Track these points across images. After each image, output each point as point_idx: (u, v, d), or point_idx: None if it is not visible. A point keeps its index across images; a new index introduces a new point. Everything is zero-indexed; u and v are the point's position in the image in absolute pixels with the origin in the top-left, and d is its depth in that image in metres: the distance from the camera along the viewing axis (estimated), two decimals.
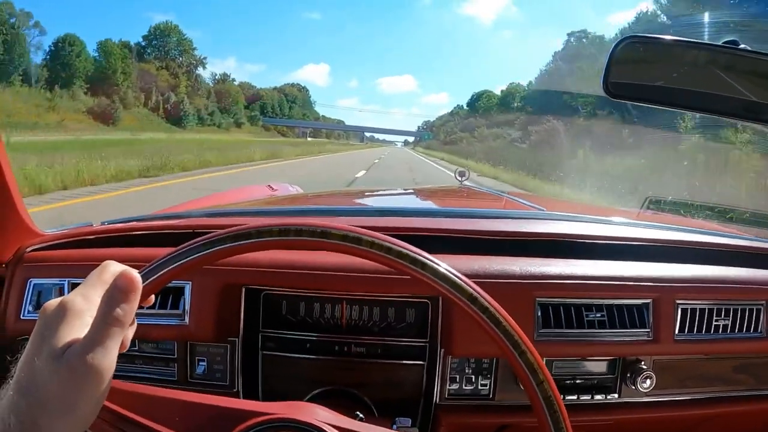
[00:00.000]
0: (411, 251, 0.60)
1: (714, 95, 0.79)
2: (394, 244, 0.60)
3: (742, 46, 0.79)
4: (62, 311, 0.54)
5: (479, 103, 76.27)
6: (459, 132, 70.87)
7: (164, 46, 65.12)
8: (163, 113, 57.15)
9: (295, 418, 0.61)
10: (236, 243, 0.61)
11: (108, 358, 0.53)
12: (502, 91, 71.52)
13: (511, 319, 0.60)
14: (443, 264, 0.61)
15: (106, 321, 0.53)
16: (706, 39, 0.80)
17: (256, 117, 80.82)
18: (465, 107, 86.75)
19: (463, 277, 0.61)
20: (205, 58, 69.88)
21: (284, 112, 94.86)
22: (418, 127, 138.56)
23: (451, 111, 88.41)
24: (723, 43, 0.80)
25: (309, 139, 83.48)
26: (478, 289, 0.60)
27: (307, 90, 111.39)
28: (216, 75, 76.75)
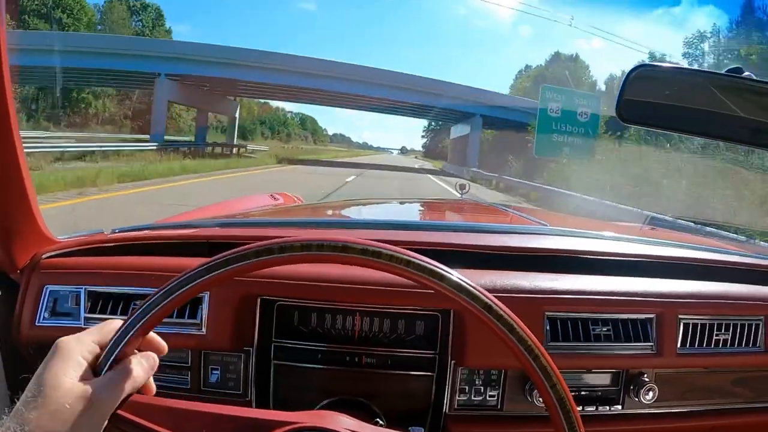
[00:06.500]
0: (429, 264, 0.63)
1: (721, 122, 0.83)
2: (413, 257, 0.63)
3: (745, 73, 0.83)
4: (55, 349, 0.62)
5: None
6: None
7: None
8: None
9: (321, 426, 0.63)
10: (260, 258, 0.64)
11: (108, 402, 0.60)
12: None
13: (524, 325, 0.63)
14: (459, 275, 0.64)
15: (123, 374, 0.62)
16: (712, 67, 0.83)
17: None
18: None
19: (479, 287, 0.64)
20: None
21: None
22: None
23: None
24: (727, 71, 0.84)
25: None
26: (493, 298, 0.64)
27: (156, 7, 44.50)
28: None
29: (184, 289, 0.64)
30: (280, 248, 0.64)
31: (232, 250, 0.65)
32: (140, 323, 0.64)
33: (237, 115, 46.29)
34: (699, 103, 0.83)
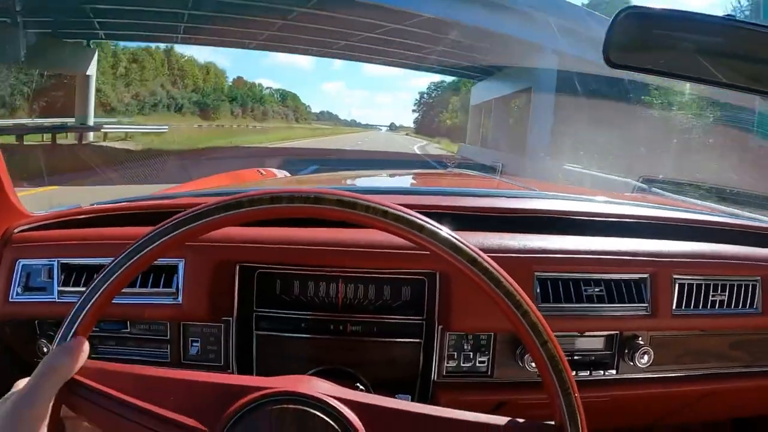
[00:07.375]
0: (408, 214, 0.60)
1: (712, 66, 0.80)
2: (390, 207, 0.60)
3: (739, 18, 0.80)
4: None
5: None
6: None
7: None
8: None
9: (296, 391, 0.60)
10: (227, 213, 0.61)
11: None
12: None
13: (511, 279, 0.59)
14: (443, 227, 0.60)
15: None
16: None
17: None
18: None
19: (463, 240, 0.60)
20: None
21: None
22: None
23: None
24: (721, 16, 0.81)
25: None
26: (478, 250, 0.59)
27: None
28: None
29: (149, 248, 0.61)
30: (250, 201, 0.61)
31: (200, 206, 0.61)
32: (103, 288, 0.60)
33: (93, 72, 24.81)
34: (691, 47, 0.80)
